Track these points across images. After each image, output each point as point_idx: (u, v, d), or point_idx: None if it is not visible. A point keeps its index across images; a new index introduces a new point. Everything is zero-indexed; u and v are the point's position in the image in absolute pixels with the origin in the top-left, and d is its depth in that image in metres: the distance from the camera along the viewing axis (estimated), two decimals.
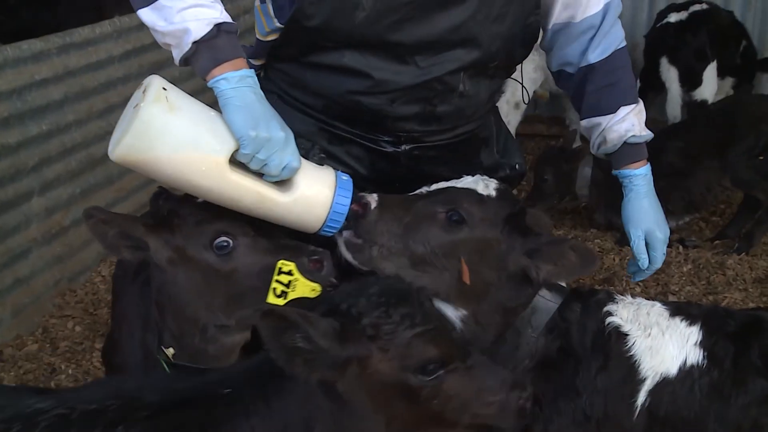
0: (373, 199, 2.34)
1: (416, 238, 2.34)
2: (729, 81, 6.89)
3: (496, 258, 2.40)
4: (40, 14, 6.42)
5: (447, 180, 2.55)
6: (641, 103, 2.73)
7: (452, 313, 2.39)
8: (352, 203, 2.30)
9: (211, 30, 2.12)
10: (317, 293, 2.17)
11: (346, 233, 2.34)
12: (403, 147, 2.73)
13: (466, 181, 2.48)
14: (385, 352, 1.91)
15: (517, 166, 2.99)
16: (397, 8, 2.43)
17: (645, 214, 2.64)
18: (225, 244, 2.30)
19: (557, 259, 2.41)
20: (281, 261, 2.22)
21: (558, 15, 2.68)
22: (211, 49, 2.12)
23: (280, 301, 2.20)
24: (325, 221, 2.25)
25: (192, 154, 2.09)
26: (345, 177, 2.33)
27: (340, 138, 2.71)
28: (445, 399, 1.96)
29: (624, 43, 2.74)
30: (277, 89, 2.74)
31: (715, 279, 5.22)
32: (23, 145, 4.47)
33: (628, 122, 2.67)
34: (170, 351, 2.36)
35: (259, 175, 2.19)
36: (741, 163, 5.59)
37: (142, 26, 2.32)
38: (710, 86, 6.58)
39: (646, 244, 2.64)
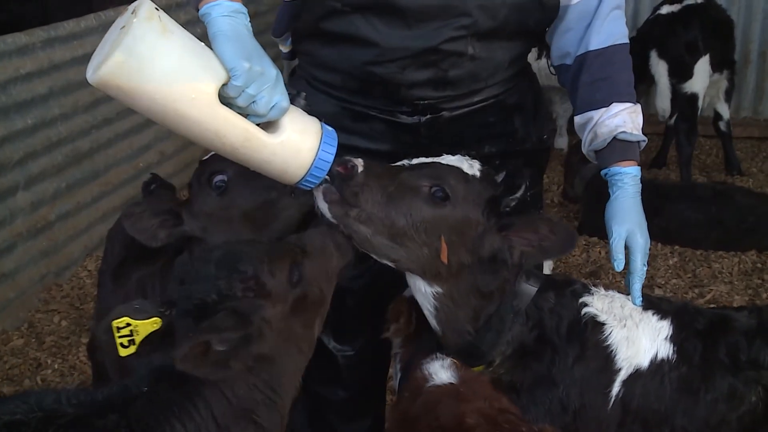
0: (359, 162, 2.28)
1: (398, 209, 2.29)
2: (725, 74, 6.89)
3: (474, 239, 2.37)
4: (28, 8, 6.45)
5: (472, 151, 2.55)
6: (638, 106, 2.66)
7: (427, 288, 2.38)
8: (337, 164, 2.24)
9: None
10: (158, 324, 2.04)
11: (325, 186, 2.27)
12: (421, 117, 2.71)
13: (450, 160, 2.44)
14: (268, 294, 1.99)
15: (545, 137, 2.97)
16: None
17: (629, 214, 2.55)
18: (221, 183, 2.43)
19: (532, 236, 2.37)
20: (113, 321, 2.05)
21: None
22: None
23: (132, 349, 2.08)
24: (308, 170, 2.19)
25: (182, 80, 1.98)
26: (330, 128, 2.27)
27: (362, 115, 2.71)
28: (315, 282, 2.12)
29: (626, 41, 2.70)
30: (305, 74, 2.79)
31: (701, 272, 5.29)
32: (8, 139, 4.54)
33: (620, 118, 2.60)
34: None
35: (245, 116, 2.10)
36: None
37: None
38: (701, 80, 6.60)
39: (626, 248, 2.55)
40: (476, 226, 2.36)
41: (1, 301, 4.62)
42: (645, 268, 2.52)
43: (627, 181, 2.56)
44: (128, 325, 2.04)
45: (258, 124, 2.09)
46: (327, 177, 2.24)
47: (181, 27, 2.01)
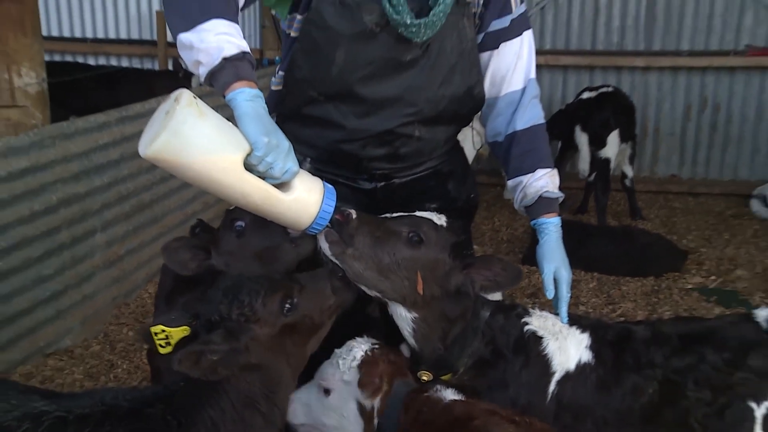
0: (354, 212, 2.27)
1: (384, 249, 2.27)
2: (629, 144, 6.90)
3: (442, 275, 2.34)
4: (105, 95, 6.55)
5: (416, 210, 2.50)
6: (556, 170, 2.67)
7: (406, 314, 2.35)
8: (336, 213, 2.22)
9: (239, 53, 2.03)
10: (188, 332, 2.06)
11: (327, 229, 2.24)
12: (377, 184, 2.68)
13: (423, 213, 2.41)
14: (258, 320, 1.98)
15: (472, 196, 2.89)
16: (362, 66, 2.41)
17: (555, 254, 2.57)
18: (240, 228, 2.37)
19: (488, 273, 2.36)
20: (151, 328, 2.09)
21: (488, 91, 2.64)
22: (235, 67, 2.02)
23: (169, 349, 2.10)
24: (314, 219, 2.16)
25: (215, 153, 1.96)
26: (330, 186, 2.24)
27: (331, 182, 2.54)
28: (306, 313, 2.06)
29: (543, 121, 2.68)
30: (296, 149, 2.75)
31: (614, 293, 5.27)
32: (89, 194, 4.54)
33: (544, 180, 2.60)
34: None
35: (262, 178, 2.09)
36: None
37: None
38: (613, 148, 6.64)
39: (555, 281, 2.58)
40: (444, 265, 2.32)
41: (84, 317, 4.60)
42: (569, 295, 2.54)
43: (551, 229, 2.57)
44: (163, 331, 2.06)
45: (274, 185, 2.06)
46: (328, 224, 2.20)
47: (213, 110, 1.99)
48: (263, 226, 2.29)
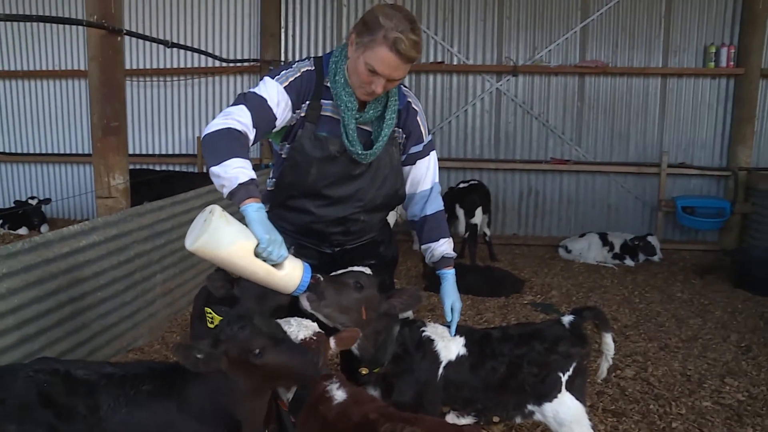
0: (322, 277, 2.15)
1: (342, 296, 2.18)
2: (488, 215, 7.01)
3: (376, 305, 2.27)
4: (164, 188, 6.57)
5: (360, 265, 2.40)
6: (451, 238, 2.57)
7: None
8: (312, 279, 2.08)
9: (249, 180, 1.94)
10: (220, 318, 1.99)
11: (305, 293, 2.12)
12: (335, 249, 2.53)
13: (359, 268, 2.31)
14: (234, 345, 1.82)
15: (394, 255, 2.73)
16: (328, 176, 2.32)
17: (451, 293, 2.47)
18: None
19: (402, 299, 2.30)
20: (206, 308, 2.04)
21: (408, 190, 2.55)
22: (247, 189, 1.94)
23: (212, 326, 2.05)
24: (297, 286, 2.04)
25: (237, 246, 1.89)
26: (307, 264, 2.09)
27: (305, 247, 2.50)
28: (271, 366, 1.83)
29: (443, 208, 2.58)
30: (280, 225, 2.48)
31: (482, 308, 5.36)
32: (153, 250, 4.58)
33: (444, 246, 2.51)
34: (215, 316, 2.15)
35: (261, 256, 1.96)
36: None
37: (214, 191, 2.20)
38: (479, 217, 6.74)
39: (452, 310, 2.47)
40: (376, 298, 2.26)
41: (150, 327, 4.60)
42: (458, 317, 2.46)
43: (449, 277, 2.50)
44: (210, 314, 2.10)
45: (272, 265, 1.98)
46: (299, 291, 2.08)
47: (234, 219, 1.95)
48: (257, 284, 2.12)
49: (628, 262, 6.97)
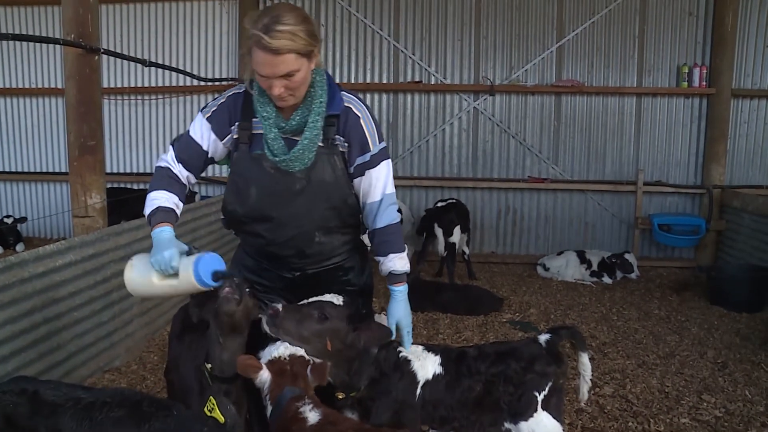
0: (280, 306, 2.18)
1: (303, 327, 2.18)
2: (466, 234, 7.03)
3: (342, 337, 2.24)
4: (142, 207, 6.22)
5: (329, 292, 2.39)
6: (405, 252, 2.44)
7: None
8: (269, 309, 2.15)
9: (153, 209, 2.18)
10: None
11: (266, 319, 2.15)
12: (295, 273, 2.48)
13: (327, 297, 2.30)
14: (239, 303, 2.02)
15: (368, 284, 2.65)
16: (269, 195, 2.31)
17: (397, 311, 2.40)
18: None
19: (369, 333, 2.29)
20: (210, 398, 2.11)
21: (360, 201, 2.43)
22: (153, 217, 2.18)
23: (211, 414, 2.09)
24: (197, 282, 2.04)
25: (143, 279, 2.08)
26: (205, 256, 2.07)
27: (266, 270, 2.49)
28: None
29: (397, 221, 2.43)
30: (243, 248, 2.61)
31: (460, 326, 5.39)
32: None
33: (393, 262, 2.41)
34: (209, 366, 2.20)
35: (162, 275, 2.07)
36: None
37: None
38: (457, 236, 6.71)
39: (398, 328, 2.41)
40: (342, 330, 2.24)
41: (127, 347, 4.58)
42: (410, 335, 2.43)
43: (397, 295, 2.41)
44: (209, 403, 2.14)
45: (170, 275, 2.07)
46: (213, 282, 2.08)
47: (142, 260, 2.13)
48: (209, 302, 2.19)
49: (606, 279, 7.03)
